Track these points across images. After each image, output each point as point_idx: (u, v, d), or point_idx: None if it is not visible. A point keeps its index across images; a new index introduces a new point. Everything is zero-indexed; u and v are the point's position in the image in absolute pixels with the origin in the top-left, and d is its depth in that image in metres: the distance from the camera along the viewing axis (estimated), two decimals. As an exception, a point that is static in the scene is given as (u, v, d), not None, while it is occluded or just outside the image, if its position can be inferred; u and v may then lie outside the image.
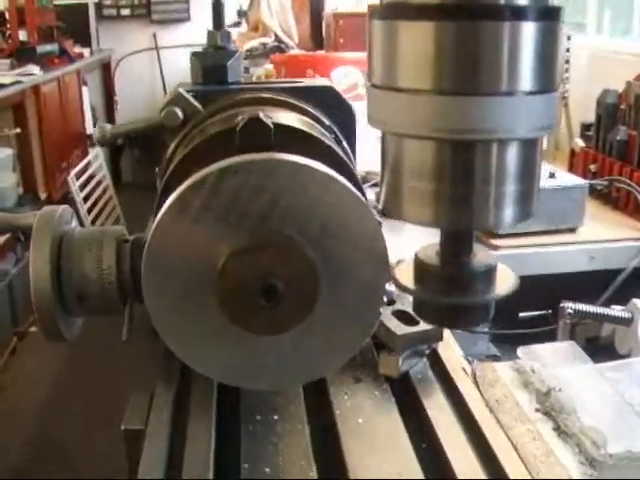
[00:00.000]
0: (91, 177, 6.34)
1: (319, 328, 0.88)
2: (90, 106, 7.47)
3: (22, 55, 6.52)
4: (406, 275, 0.81)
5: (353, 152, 1.20)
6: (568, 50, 3.13)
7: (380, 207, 0.79)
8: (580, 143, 2.50)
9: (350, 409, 1.06)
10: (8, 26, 7.04)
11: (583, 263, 2.00)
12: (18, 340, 4.26)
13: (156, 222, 0.85)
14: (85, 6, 8.06)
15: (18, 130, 5.60)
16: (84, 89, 7.41)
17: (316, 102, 1.19)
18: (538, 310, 1.95)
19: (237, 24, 6.92)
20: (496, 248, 1.97)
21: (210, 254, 0.84)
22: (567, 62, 3.12)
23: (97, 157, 6.83)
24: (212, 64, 1.28)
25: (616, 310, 1.65)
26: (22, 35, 7.01)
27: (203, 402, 1.05)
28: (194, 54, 1.31)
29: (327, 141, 1.02)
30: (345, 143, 1.17)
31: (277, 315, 0.83)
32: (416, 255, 0.81)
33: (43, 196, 6.01)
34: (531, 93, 0.68)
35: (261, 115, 0.95)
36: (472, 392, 1.10)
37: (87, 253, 1.11)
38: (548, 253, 1.99)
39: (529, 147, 0.72)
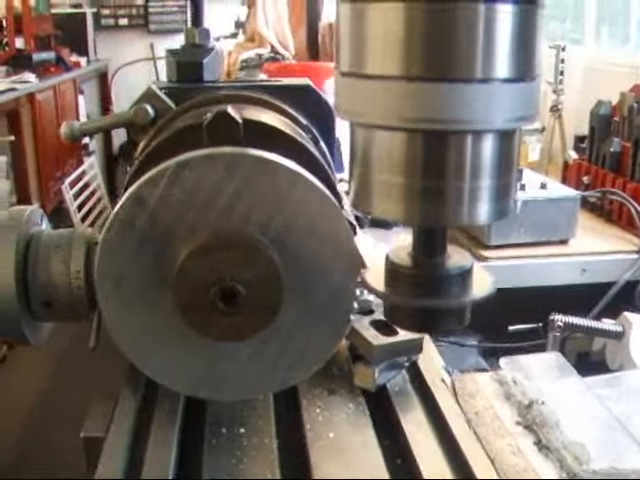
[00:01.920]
0: (85, 186, 6.28)
1: (283, 335, 0.82)
2: (86, 115, 7.43)
3: (18, 63, 6.48)
4: (377, 278, 0.76)
5: (332, 153, 1.15)
6: (563, 61, 3.09)
7: (350, 203, 0.74)
8: (573, 155, 2.46)
9: (322, 423, 1.00)
10: (5, 33, 7.01)
11: (574, 276, 1.95)
12: (8, 349, 4.21)
13: (110, 219, 0.79)
14: (83, 15, 8.03)
15: (12, 138, 5.55)
16: (80, 98, 7.37)
17: (294, 101, 1.14)
18: (528, 323, 1.90)
19: (234, 35, 6.89)
20: (485, 259, 1.92)
21: (167, 255, 0.78)
22: (561, 74, 3.08)
23: (92, 166, 6.78)
24: (187, 61, 1.23)
25: (607, 323, 1.60)
26: (19, 43, 6.98)
27: (168, 412, 1.00)
28: (169, 51, 1.26)
29: (300, 139, 0.97)
30: (323, 143, 1.12)
31: (237, 321, 0.78)
32: (387, 256, 0.75)
33: (36, 204, 5.95)
34: (508, 81, 0.63)
35: (230, 110, 0.90)
36: (452, 407, 1.04)
37: (55, 256, 1.07)
38: (539, 265, 1.95)
39: (506, 139, 0.67)
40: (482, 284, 0.74)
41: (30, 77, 6.19)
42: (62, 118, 6.73)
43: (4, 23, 7.00)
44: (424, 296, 0.72)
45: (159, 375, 0.87)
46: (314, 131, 1.11)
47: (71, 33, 7.68)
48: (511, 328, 1.92)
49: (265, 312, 0.78)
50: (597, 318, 1.73)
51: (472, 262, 0.74)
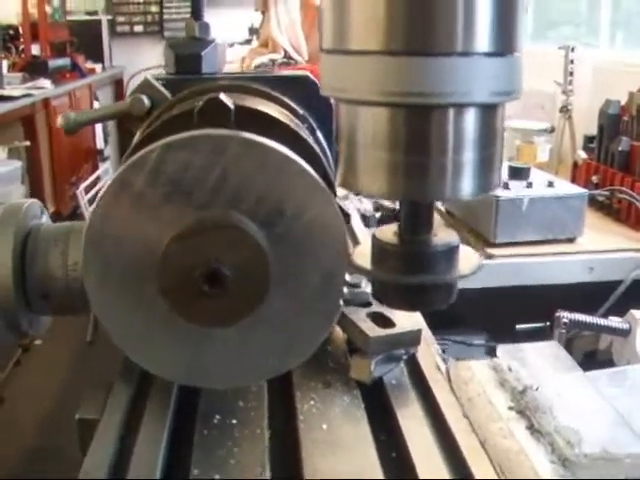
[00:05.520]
0: (100, 191, 6.30)
1: (272, 321, 0.81)
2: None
3: (34, 69, 6.55)
4: (363, 257, 0.75)
5: (331, 144, 1.14)
6: (572, 62, 3.08)
7: (337, 182, 0.73)
8: (583, 155, 2.45)
9: (315, 415, 0.99)
10: (21, 40, 7.08)
11: (582, 274, 1.93)
12: (23, 352, 4.24)
13: (96, 204, 0.79)
14: (98, 22, 8.11)
15: (27, 143, 5.60)
16: (96, 104, 7.43)
17: (293, 92, 1.14)
18: (535, 322, 1.89)
19: (248, 41, 6.91)
20: (492, 257, 1.90)
21: (153, 239, 0.77)
22: (571, 74, 3.07)
23: (107, 172, 6.83)
24: (186, 53, 1.23)
25: (613, 321, 1.58)
26: (35, 50, 7.05)
27: (161, 402, 0.99)
28: (168, 44, 1.26)
29: (294, 126, 0.96)
30: (320, 134, 1.11)
31: (223, 305, 0.77)
32: (374, 235, 0.75)
33: (51, 209, 6.02)
34: (489, 55, 0.62)
35: (221, 96, 0.90)
36: (450, 401, 1.02)
37: (53, 249, 1.06)
38: (546, 263, 1.93)
39: (488, 114, 0.66)
40: (469, 262, 0.73)
41: (45, 83, 6.26)
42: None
43: (20, 30, 7.07)
44: (410, 273, 0.72)
45: (148, 362, 0.86)
46: (311, 121, 1.10)
47: (87, 40, 7.76)
48: (518, 327, 1.90)
49: (251, 296, 0.77)
50: (604, 316, 1.71)
51: (458, 239, 0.73)
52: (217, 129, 0.81)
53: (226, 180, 0.77)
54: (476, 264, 0.73)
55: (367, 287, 1.15)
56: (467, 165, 0.65)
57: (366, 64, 0.63)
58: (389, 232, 0.74)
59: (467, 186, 0.66)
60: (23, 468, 3.27)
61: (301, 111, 1.11)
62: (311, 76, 1.20)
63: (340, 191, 0.96)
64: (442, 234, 0.73)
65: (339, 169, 0.73)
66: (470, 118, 0.65)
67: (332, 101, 1.15)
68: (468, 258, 0.74)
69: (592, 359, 1.73)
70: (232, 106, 0.89)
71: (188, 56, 1.23)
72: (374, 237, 0.75)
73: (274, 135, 0.84)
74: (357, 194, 1.95)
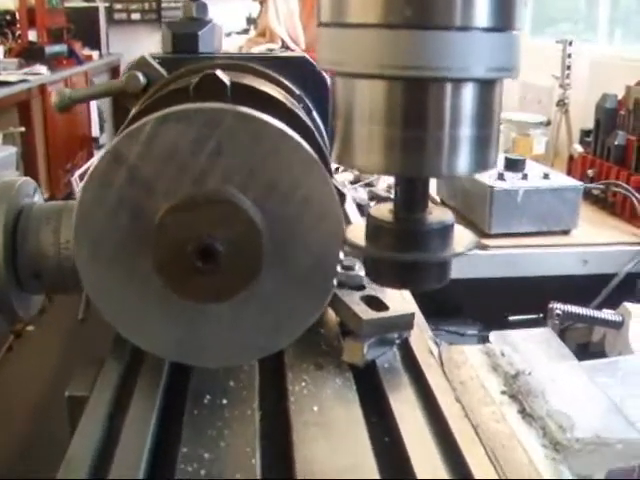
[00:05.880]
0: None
1: (265, 299, 0.81)
2: (97, 109, 7.45)
3: (30, 55, 6.52)
4: (358, 234, 0.75)
5: (326, 124, 1.13)
6: (570, 56, 3.08)
7: (333, 158, 0.72)
8: (579, 149, 2.44)
9: (307, 397, 0.98)
10: (18, 26, 7.05)
11: (576, 266, 1.93)
12: (15, 338, 4.22)
13: (89, 175, 0.78)
14: (96, 9, 8.08)
15: (23, 129, 5.58)
16: (92, 91, 7.37)
17: (289, 73, 1.13)
18: (529, 314, 1.88)
19: (246, 31, 6.89)
20: (486, 248, 1.90)
21: (146, 213, 0.77)
22: (568, 68, 3.07)
23: (101, 159, 6.79)
24: (183, 33, 1.22)
25: (606, 313, 1.58)
26: (32, 35, 7.02)
27: (151, 380, 0.98)
28: (166, 23, 1.25)
29: (289, 104, 0.95)
30: (315, 114, 1.11)
31: (216, 281, 0.76)
32: (369, 213, 0.74)
33: (46, 195, 5.98)
34: (487, 30, 0.62)
35: (217, 72, 0.89)
36: (442, 384, 1.02)
37: (45, 227, 1.06)
38: (540, 255, 1.93)
39: (486, 89, 0.66)
40: (463, 241, 0.73)
41: (42, 69, 6.23)
42: (73, 110, 6.70)
43: (17, 15, 7.04)
44: (404, 250, 0.71)
45: (140, 339, 0.85)
46: (307, 101, 1.10)
47: (84, 27, 7.72)
48: (511, 318, 1.90)
49: (244, 272, 0.76)
50: (598, 309, 1.70)
51: (453, 218, 0.73)
52: (211, 103, 0.80)
53: (220, 154, 0.76)
54: (470, 243, 0.72)
55: (361, 270, 1.15)
56: (463, 141, 0.65)
57: (364, 37, 0.63)
58: (384, 210, 0.74)
59: (463, 163, 0.66)
60: (16, 454, 3.26)
61: (297, 91, 1.10)
62: (308, 57, 1.19)
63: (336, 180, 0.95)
64: (437, 212, 0.73)
65: (335, 146, 0.72)
66: (467, 93, 0.64)
67: (328, 82, 1.15)
68: (462, 237, 0.74)
69: (585, 351, 1.72)
70: (228, 82, 0.88)
71: (185, 35, 1.22)
72: (369, 215, 0.74)
73: (270, 112, 0.83)
74: (353, 170, 1.95)
